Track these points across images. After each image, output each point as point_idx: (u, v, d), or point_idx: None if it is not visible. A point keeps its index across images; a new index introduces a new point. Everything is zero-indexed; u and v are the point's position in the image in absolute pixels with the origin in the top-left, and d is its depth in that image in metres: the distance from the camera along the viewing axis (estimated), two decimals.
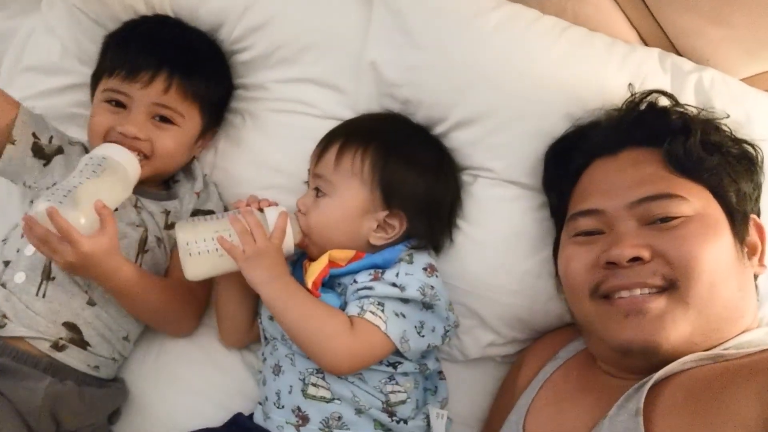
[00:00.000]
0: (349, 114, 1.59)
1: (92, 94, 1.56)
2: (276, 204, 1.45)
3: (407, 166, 1.43)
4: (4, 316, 1.41)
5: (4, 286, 1.44)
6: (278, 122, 1.62)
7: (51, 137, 1.51)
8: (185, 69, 1.51)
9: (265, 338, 1.49)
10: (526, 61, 1.48)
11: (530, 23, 1.52)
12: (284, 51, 1.61)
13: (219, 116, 1.66)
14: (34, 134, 1.48)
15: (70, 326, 1.43)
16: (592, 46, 1.52)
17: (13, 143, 1.45)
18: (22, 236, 1.46)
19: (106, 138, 1.47)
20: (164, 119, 1.51)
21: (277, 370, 1.41)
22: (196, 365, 1.61)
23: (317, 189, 1.44)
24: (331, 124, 1.55)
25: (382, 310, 1.31)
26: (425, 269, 1.39)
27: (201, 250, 1.35)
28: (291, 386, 1.38)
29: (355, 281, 1.37)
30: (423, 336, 1.35)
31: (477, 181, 1.54)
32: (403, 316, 1.33)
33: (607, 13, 1.60)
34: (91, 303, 1.45)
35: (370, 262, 1.39)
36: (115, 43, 1.54)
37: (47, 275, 1.43)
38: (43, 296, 1.42)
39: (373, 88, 1.57)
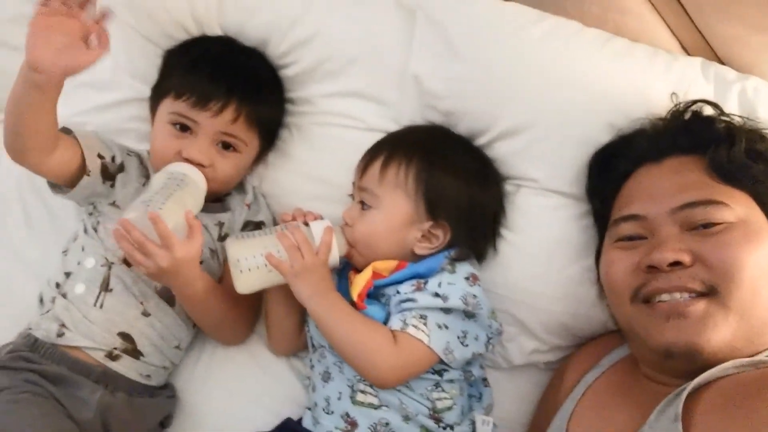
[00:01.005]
0: (392, 126, 1.62)
1: (152, 108, 1.60)
2: (321, 217, 1.49)
3: (451, 177, 1.46)
4: (63, 326, 1.46)
5: (64, 296, 1.49)
6: (324, 135, 1.66)
7: (113, 156, 1.55)
8: (253, 99, 1.56)
9: (313, 345, 1.52)
10: (569, 71, 1.50)
11: (573, 35, 1.54)
12: (330, 65, 1.64)
13: (274, 139, 1.70)
14: (99, 155, 1.52)
15: (125, 336, 1.48)
16: (634, 56, 1.54)
17: (88, 174, 1.50)
18: (83, 249, 1.53)
19: (172, 161, 1.51)
20: (226, 146, 1.55)
21: (326, 376, 1.44)
22: (245, 371, 1.65)
23: (362, 201, 1.47)
24: (376, 137, 1.58)
25: (425, 323, 1.33)
26: (467, 278, 1.41)
27: (251, 266, 1.39)
28: (340, 393, 1.41)
29: (398, 292, 1.39)
30: (467, 345, 1.37)
31: (520, 190, 1.56)
32: (446, 327, 1.35)
33: (648, 24, 1.61)
34: (145, 314, 1.50)
35: (413, 271, 1.41)
36: (183, 65, 1.58)
37: (105, 287, 1.49)
38: (101, 307, 1.48)
39: (416, 100, 1.60)
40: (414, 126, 1.61)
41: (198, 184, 1.48)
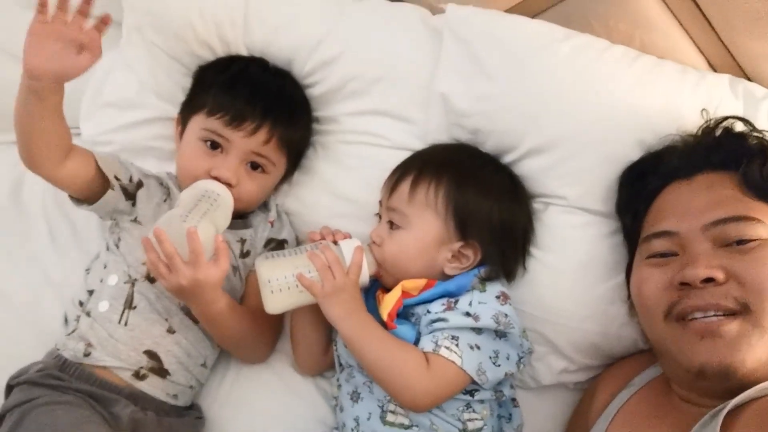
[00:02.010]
0: (418, 144, 1.62)
1: (182, 125, 1.61)
2: (349, 235, 1.49)
3: (480, 197, 1.45)
4: (89, 345, 1.47)
5: (88, 314, 1.49)
6: (349, 153, 1.66)
7: (131, 176, 1.55)
8: (286, 122, 1.58)
9: (341, 365, 1.51)
10: (597, 89, 1.49)
11: (601, 52, 1.54)
12: (355, 84, 1.65)
13: (300, 160, 1.71)
14: (115, 176, 1.52)
15: (151, 354, 1.48)
16: (662, 73, 1.54)
17: (113, 188, 1.50)
18: (105, 267, 1.53)
19: (200, 178, 1.51)
20: (255, 166, 1.56)
21: (355, 396, 1.44)
22: (270, 391, 1.64)
23: (391, 221, 1.46)
24: (401, 155, 1.58)
25: (457, 344, 1.33)
26: (498, 297, 1.41)
27: (282, 286, 1.39)
28: (370, 413, 1.40)
29: (428, 311, 1.39)
30: (499, 365, 1.36)
31: (548, 208, 1.56)
32: (478, 347, 1.34)
33: (675, 41, 1.62)
34: (170, 331, 1.50)
35: (443, 289, 1.41)
36: (220, 83, 1.58)
37: (129, 304, 1.49)
38: (125, 324, 1.48)
39: (443, 118, 1.60)
40: (441, 144, 1.61)
41: (228, 205, 1.48)
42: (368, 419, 1.40)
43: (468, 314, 1.35)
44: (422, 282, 1.42)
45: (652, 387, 1.38)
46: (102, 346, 1.46)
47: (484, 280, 1.44)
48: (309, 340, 1.58)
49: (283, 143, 1.58)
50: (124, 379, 1.46)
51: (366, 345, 1.34)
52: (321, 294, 1.37)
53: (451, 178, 1.44)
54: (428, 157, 1.55)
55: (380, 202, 1.53)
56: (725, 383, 1.12)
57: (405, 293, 1.42)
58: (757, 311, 1.13)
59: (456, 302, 1.38)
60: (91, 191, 1.51)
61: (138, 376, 1.47)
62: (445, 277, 1.44)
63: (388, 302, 1.40)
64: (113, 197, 1.51)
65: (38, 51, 1.29)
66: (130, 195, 1.55)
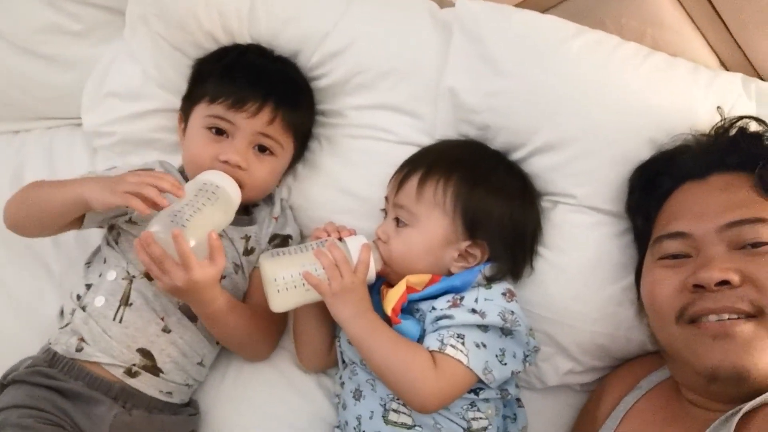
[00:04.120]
0: (425, 140, 1.59)
1: (184, 119, 1.58)
2: (354, 232, 1.46)
3: (490, 196, 1.42)
4: (82, 340, 1.44)
5: (84, 309, 1.46)
6: (355, 148, 1.63)
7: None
8: (290, 101, 1.54)
9: (344, 362, 1.48)
10: (609, 86, 1.46)
11: (613, 49, 1.50)
12: (362, 77, 1.62)
13: (305, 148, 1.68)
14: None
15: (144, 353, 1.45)
16: (675, 71, 1.50)
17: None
18: (105, 261, 1.50)
19: (209, 166, 1.48)
20: (262, 149, 1.53)
21: (357, 394, 1.41)
22: (272, 388, 1.62)
23: (398, 218, 1.43)
24: (408, 150, 1.55)
25: (463, 343, 1.29)
26: (504, 294, 1.37)
27: (288, 285, 1.35)
28: (372, 411, 1.37)
29: (433, 308, 1.36)
30: (505, 364, 1.33)
31: (557, 207, 1.53)
32: (484, 345, 1.31)
33: (687, 39, 1.59)
34: (166, 330, 1.47)
35: (448, 284, 1.38)
36: (218, 71, 1.55)
37: (125, 301, 1.46)
38: (120, 321, 1.45)
39: (451, 113, 1.57)
40: (448, 140, 1.58)
41: (230, 196, 1.43)
42: (370, 418, 1.37)
43: (474, 311, 1.32)
44: (427, 277, 1.39)
45: (660, 391, 1.35)
46: (95, 341, 1.43)
47: (490, 277, 1.40)
48: (312, 337, 1.55)
49: (288, 123, 1.54)
50: (116, 376, 1.44)
51: (374, 346, 1.31)
52: (328, 293, 1.33)
53: (461, 177, 1.41)
54: (437, 154, 1.52)
55: (386, 198, 1.50)
56: (737, 387, 1.10)
57: (409, 288, 1.38)
58: None
59: (462, 299, 1.35)
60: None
61: (130, 373, 1.44)
62: (451, 274, 1.41)
63: (393, 297, 1.37)
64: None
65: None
66: None
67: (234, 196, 1.44)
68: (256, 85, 1.51)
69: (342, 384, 1.48)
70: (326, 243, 1.39)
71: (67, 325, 1.47)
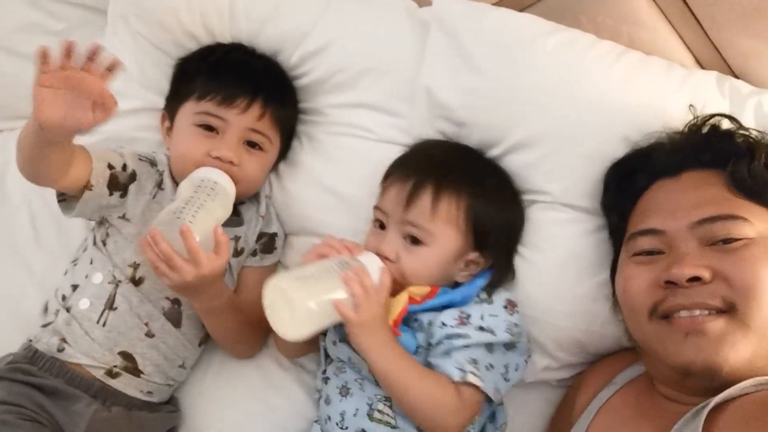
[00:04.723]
0: (403, 138, 1.59)
1: (169, 117, 1.57)
2: (361, 247, 1.41)
3: (495, 207, 1.43)
4: (63, 340, 1.44)
5: (68, 310, 1.46)
6: (335, 145, 1.62)
7: (124, 164, 1.49)
8: (278, 97, 1.55)
9: (327, 356, 1.47)
10: (583, 84, 1.46)
11: (587, 47, 1.50)
12: (341, 76, 1.61)
13: (290, 144, 1.67)
14: (109, 165, 1.46)
15: (126, 355, 1.45)
16: (649, 69, 1.50)
17: (90, 189, 1.43)
18: (91, 262, 1.49)
19: (200, 163, 1.46)
20: (252, 145, 1.52)
21: (344, 391, 1.39)
22: (252, 385, 1.62)
23: (411, 236, 1.39)
24: (387, 148, 1.56)
25: (477, 367, 1.30)
26: (506, 307, 1.39)
27: (310, 310, 1.23)
28: (357, 409, 1.36)
29: (443, 324, 1.34)
30: (509, 380, 1.35)
31: (533, 205, 1.52)
32: (492, 366, 1.32)
33: (663, 37, 1.59)
34: (149, 334, 1.47)
35: (449, 298, 1.37)
36: (205, 69, 1.55)
37: (110, 305, 1.45)
38: (103, 325, 1.44)
39: (428, 111, 1.56)
40: (433, 142, 1.55)
41: (228, 192, 1.43)
42: (354, 415, 1.36)
43: (482, 329, 1.33)
44: (426, 289, 1.38)
45: (634, 385, 1.35)
46: (77, 343, 1.43)
47: (489, 287, 1.41)
48: None
49: (277, 119, 1.54)
50: (96, 376, 1.43)
51: (401, 379, 1.27)
52: (356, 322, 1.26)
53: (470, 191, 1.39)
54: (439, 165, 1.44)
55: (379, 208, 1.44)
56: (710, 381, 1.10)
57: (410, 299, 1.37)
58: (743, 311, 1.10)
59: (468, 317, 1.35)
60: (83, 189, 1.46)
61: (111, 374, 1.44)
62: (452, 284, 1.42)
63: (395, 308, 1.34)
64: (93, 197, 1.44)
65: (51, 104, 1.20)
66: (121, 186, 1.48)
67: (231, 191, 1.44)
68: (245, 82, 1.50)
69: (326, 379, 1.46)
70: (348, 265, 1.30)
71: (49, 324, 1.46)
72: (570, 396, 1.49)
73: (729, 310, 1.11)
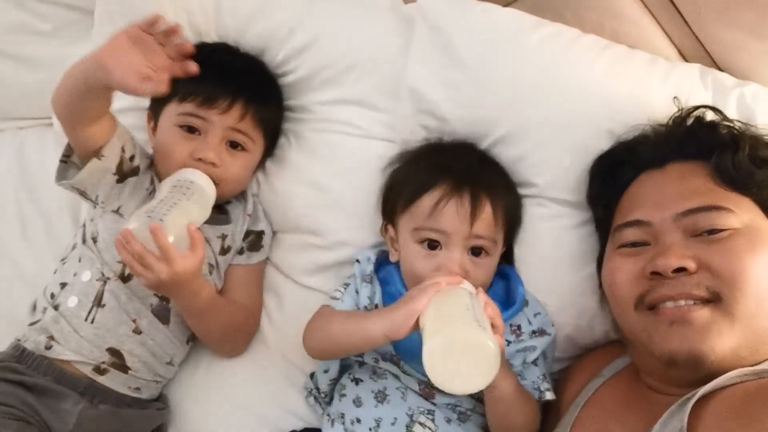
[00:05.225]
0: (389, 133, 1.59)
1: (154, 118, 1.56)
2: (454, 275, 1.30)
3: (515, 198, 1.48)
4: (51, 338, 1.43)
5: (56, 308, 1.45)
6: (322, 142, 1.61)
7: (133, 155, 1.48)
8: (259, 97, 1.53)
9: (362, 361, 1.45)
10: (568, 77, 1.45)
11: (571, 41, 1.50)
12: (327, 72, 1.60)
13: (275, 143, 1.66)
14: (122, 148, 1.45)
15: (114, 351, 1.44)
16: (633, 63, 1.50)
17: (99, 158, 1.41)
18: (80, 260, 1.48)
19: (183, 164, 1.46)
20: (234, 145, 1.52)
21: (381, 397, 1.39)
22: (242, 382, 1.61)
23: (482, 249, 1.37)
24: (373, 144, 1.58)
25: (548, 381, 1.37)
26: (538, 301, 1.45)
27: (494, 351, 1.09)
28: (396, 418, 1.36)
29: (507, 342, 1.36)
30: (547, 378, 1.41)
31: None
32: (545, 376, 1.40)
33: (646, 30, 1.58)
34: (137, 331, 1.46)
35: (507, 315, 1.37)
36: None
37: (98, 302, 1.44)
38: (92, 322, 1.44)
39: (413, 106, 1.55)
40: (448, 149, 1.52)
41: (205, 190, 1.42)
42: (392, 424, 1.35)
43: (534, 333, 1.40)
44: None
45: (622, 376, 1.35)
46: (65, 340, 1.42)
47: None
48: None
49: (259, 119, 1.53)
50: (84, 372, 1.43)
51: (516, 406, 1.29)
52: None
53: (502, 192, 1.42)
54: (472, 170, 1.42)
55: (435, 229, 1.36)
56: (695, 371, 1.10)
57: None
58: (728, 300, 1.10)
59: (519, 327, 1.39)
60: (92, 155, 1.44)
61: (99, 370, 1.43)
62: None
63: None
64: (99, 168, 1.42)
65: (119, 55, 1.24)
66: (123, 174, 1.47)
67: (209, 190, 1.43)
68: (226, 82, 1.49)
69: (357, 380, 1.44)
70: (482, 297, 1.23)
71: (37, 322, 1.46)
72: (558, 389, 1.47)
73: (714, 300, 1.11)
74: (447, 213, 1.35)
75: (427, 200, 1.37)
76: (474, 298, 1.19)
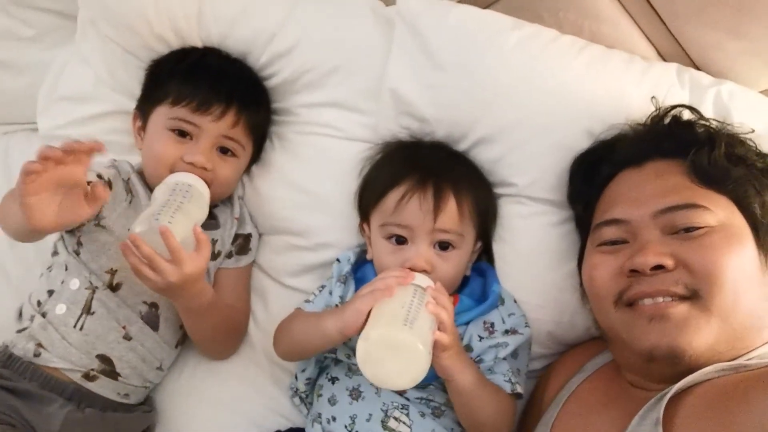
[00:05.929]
0: (371, 135, 1.59)
1: (142, 119, 1.55)
2: (407, 271, 1.30)
3: (486, 192, 1.48)
4: (40, 345, 1.41)
5: (44, 315, 1.43)
6: (305, 144, 1.61)
7: (99, 174, 1.46)
8: (252, 104, 1.54)
9: (336, 359, 1.44)
10: (546, 78, 1.45)
11: (549, 42, 1.49)
12: (309, 75, 1.60)
13: (262, 147, 1.65)
14: (98, 175, 1.44)
15: (104, 358, 1.43)
16: (610, 62, 1.50)
17: None
18: (66, 268, 1.46)
19: (173, 167, 1.45)
20: (224, 151, 1.51)
21: (356, 394, 1.38)
22: (227, 384, 1.61)
23: (449, 243, 1.36)
24: (355, 146, 1.58)
25: (519, 376, 1.36)
26: (515, 301, 1.45)
27: (423, 352, 1.13)
28: (370, 414, 1.34)
29: (480, 337, 1.36)
30: (523, 375, 1.41)
31: (499, 198, 1.53)
32: (519, 371, 1.39)
33: (624, 31, 1.58)
34: (126, 337, 1.45)
35: (479, 312, 1.38)
36: (180, 73, 1.52)
37: (87, 310, 1.43)
38: (80, 329, 1.42)
39: (393, 107, 1.55)
40: (413, 147, 1.53)
41: (202, 194, 1.41)
42: (367, 420, 1.34)
43: (507, 332, 1.37)
44: (450, 298, 1.30)
45: (603, 372, 1.35)
46: (53, 347, 1.41)
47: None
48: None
49: (251, 126, 1.53)
50: (72, 379, 1.41)
51: (484, 397, 1.28)
52: (450, 345, 1.20)
53: (471, 183, 1.42)
54: (439, 165, 1.42)
55: (398, 224, 1.37)
56: (674, 366, 1.10)
57: None
58: (705, 297, 1.10)
59: (492, 324, 1.38)
60: None
61: (88, 377, 1.42)
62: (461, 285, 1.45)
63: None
64: None
65: (40, 210, 1.23)
66: None
67: (205, 193, 1.43)
68: (220, 88, 1.48)
69: (332, 378, 1.44)
70: (426, 294, 1.24)
71: (24, 329, 1.44)
72: (541, 386, 1.49)
73: (692, 296, 1.11)
74: (410, 207, 1.35)
75: (393, 196, 1.38)
76: (419, 295, 1.22)
